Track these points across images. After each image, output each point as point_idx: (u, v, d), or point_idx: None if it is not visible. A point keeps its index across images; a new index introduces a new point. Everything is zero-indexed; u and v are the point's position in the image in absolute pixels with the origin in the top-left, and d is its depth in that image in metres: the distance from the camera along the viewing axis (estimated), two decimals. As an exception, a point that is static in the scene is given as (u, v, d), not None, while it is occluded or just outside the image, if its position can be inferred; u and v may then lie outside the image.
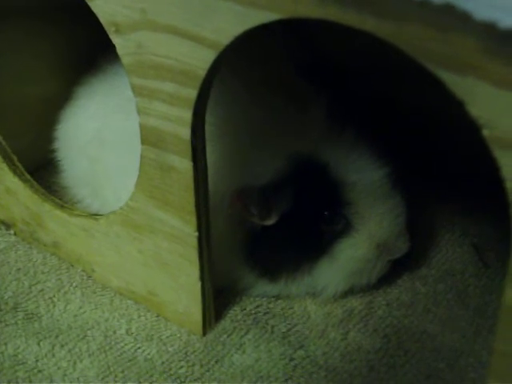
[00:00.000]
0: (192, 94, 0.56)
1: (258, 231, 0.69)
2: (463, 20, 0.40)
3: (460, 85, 0.42)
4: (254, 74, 0.72)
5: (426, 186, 0.85)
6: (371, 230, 0.70)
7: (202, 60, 0.54)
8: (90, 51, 0.84)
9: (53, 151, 0.85)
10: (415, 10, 0.42)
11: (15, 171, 0.77)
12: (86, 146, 0.79)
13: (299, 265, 0.70)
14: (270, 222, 0.68)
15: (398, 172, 0.71)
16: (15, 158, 0.78)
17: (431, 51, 0.42)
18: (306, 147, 0.69)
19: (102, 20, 0.59)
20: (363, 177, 0.70)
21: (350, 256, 0.70)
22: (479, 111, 0.42)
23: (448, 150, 0.86)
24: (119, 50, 0.59)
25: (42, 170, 0.88)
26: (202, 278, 0.66)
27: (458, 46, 0.41)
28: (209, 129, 0.62)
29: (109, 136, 0.76)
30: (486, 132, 0.42)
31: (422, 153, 0.85)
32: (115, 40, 0.59)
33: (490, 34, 0.39)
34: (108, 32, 0.59)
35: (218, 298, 0.72)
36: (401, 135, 0.81)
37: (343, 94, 0.73)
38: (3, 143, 0.77)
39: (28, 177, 0.78)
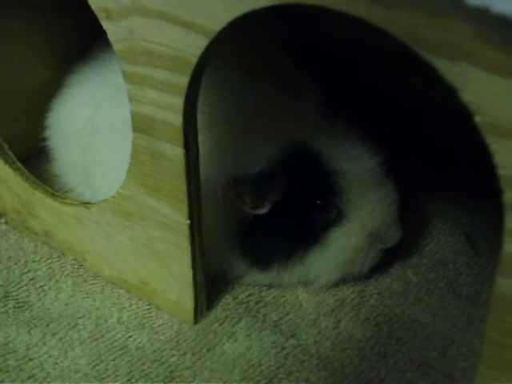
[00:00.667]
0: (184, 81, 0.56)
1: (250, 220, 0.69)
2: (456, 5, 0.40)
3: (452, 71, 0.42)
4: (247, 61, 0.72)
5: (418, 175, 0.85)
6: (363, 218, 0.70)
7: (193, 47, 0.54)
8: (82, 39, 0.84)
9: (44, 139, 0.84)
10: (408, -4, 0.42)
11: (6, 159, 0.77)
12: (77, 134, 0.79)
13: (291, 254, 0.70)
14: (262, 210, 0.68)
15: (390, 161, 0.71)
16: (6, 146, 0.77)
17: (423, 37, 0.42)
18: (299, 136, 0.68)
19: (93, 6, 0.59)
20: (355, 166, 0.69)
21: (342, 245, 0.70)
22: (471, 97, 0.42)
23: (440, 138, 0.86)
24: (110, 37, 0.59)
25: (34, 159, 0.88)
26: (193, 267, 0.66)
27: (450, 31, 0.41)
28: (201, 117, 0.62)
29: (100, 124, 0.76)
30: (478, 118, 0.42)
31: (414, 142, 0.85)
32: (106, 26, 0.59)
33: (482, 19, 0.39)
34: (99, 18, 0.59)
35: (210, 286, 0.71)
36: (393, 124, 0.81)
37: (336, 82, 0.73)
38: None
39: (19, 165, 0.77)
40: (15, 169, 0.77)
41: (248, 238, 0.70)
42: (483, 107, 0.42)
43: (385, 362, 0.66)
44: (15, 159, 0.77)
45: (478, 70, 0.41)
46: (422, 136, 0.86)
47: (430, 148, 0.86)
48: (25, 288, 0.73)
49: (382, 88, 0.83)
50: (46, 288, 0.74)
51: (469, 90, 0.42)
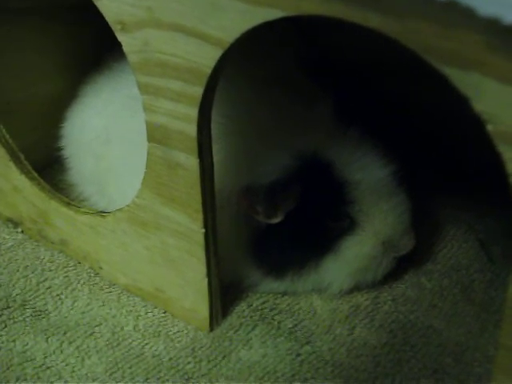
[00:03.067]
0: (198, 91, 0.57)
1: (263, 229, 0.69)
2: (467, 16, 0.40)
3: (464, 80, 0.43)
4: (261, 72, 0.72)
5: (431, 182, 0.85)
6: (376, 227, 0.70)
7: (207, 58, 0.54)
8: (97, 49, 0.85)
9: (59, 149, 0.85)
10: (419, 7, 0.42)
11: (22, 169, 0.78)
12: (91, 143, 0.79)
13: (305, 262, 0.70)
14: (275, 220, 0.68)
15: (403, 168, 0.72)
16: (22, 156, 0.78)
17: (435, 47, 0.43)
18: (312, 145, 0.69)
19: (108, 18, 0.59)
20: (368, 175, 0.70)
21: (356, 253, 0.70)
22: (483, 106, 0.43)
23: (454, 145, 0.86)
24: (125, 48, 0.60)
25: (49, 168, 0.88)
26: (208, 275, 0.67)
27: (461, 42, 0.41)
28: (215, 127, 0.62)
29: (115, 134, 0.77)
30: (490, 127, 0.43)
31: (427, 149, 0.85)
32: (121, 38, 0.59)
33: (493, 29, 0.40)
34: (114, 30, 0.59)
35: (225, 294, 0.72)
36: (406, 132, 0.81)
37: (349, 92, 0.74)
38: (10, 141, 0.78)
39: (35, 175, 0.78)
40: (31, 178, 0.77)
41: (262, 247, 0.70)
42: (495, 116, 0.42)
43: (399, 369, 0.66)
44: (31, 169, 0.78)
45: (490, 80, 0.42)
46: (435, 143, 0.86)
47: (443, 155, 0.86)
48: (42, 296, 0.74)
49: (394, 98, 0.84)
50: (62, 296, 0.74)
51: (481, 99, 0.42)
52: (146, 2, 0.56)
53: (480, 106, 0.43)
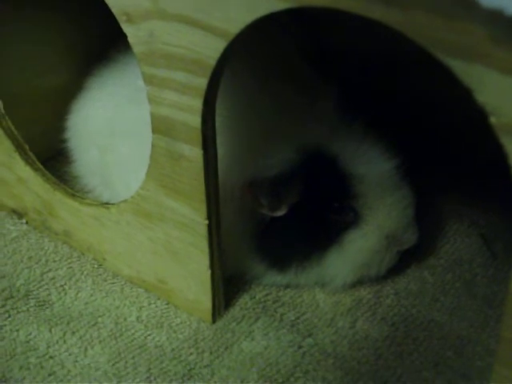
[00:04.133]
0: (203, 83, 0.57)
1: (267, 222, 0.70)
2: (470, 8, 0.40)
3: (467, 72, 0.43)
4: (264, 64, 0.72)
5: (434, 177, 0.85)
6: (380, 221, 0.70)
7: (212, 49, 0.55)
8: (102, 41, 0.85)
9: (64, 141, 0.86)
10: (423, -1, 0.42)
11: (27, 160, 0.78)
12: (96, 135, 0.80)
13: (308, 255, 0.71)
14: (279, 213, 0.68)
15: (406, 163, 0.72)
16: (27, 148, 0.78)
17: (439, 39, 0.43)
18: (316, 139, 0.69)
19: (113, 10, 0.60)
20: (372, 168, 0.70)
21: (359, 247, 0.70)
22: (486, 98, 0.43)
23: (457, 140, 0.86)
24: (130, 39, 0.60)
25: (54, 160, 0.89)
26: (211, 266, 0.67)
27: (465, 33, 0.42)
28: (219, 120, 0.62)
29: (119, 126, 0.77)
30: (492, 119, 0.43)
31: (431, 144, 0.85)
32: (126, 29, 0.60)
33: (496, 21, 0.40)
34: (119, 21, 0.60)
35: (228, 286, 0.72)
36: (410, 126, 0.82)
37: (352, 85, 0.74)
38: (15, 132, 0.78)
39: (39, 166, 0.78)
40: (36, 169, 0.78)
41: (265, 240, 0.71)
42: (498, 108, 0.43)
43: (401, 362, 0.66)
44: (36, 160, 0.79)
45: (493, 72, 0.42)
46: (439, 138, 0.86)
47: (446, 150, 0.86)
48: (45, 287, 0.75)
49: (397, 91, 0.84)
50: (66, 287, 0.75)
51: (483, 91, 0.43)
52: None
53: (483, 97, 0.43)
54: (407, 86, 0.86)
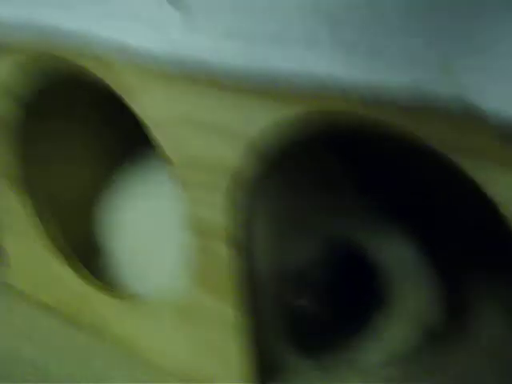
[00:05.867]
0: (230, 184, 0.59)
1: (297, 312, 0.70)
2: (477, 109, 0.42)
3: (478, 170, 0.45)
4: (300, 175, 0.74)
5: (461, 259, 0.85)
6: (410, 309, 0.71)
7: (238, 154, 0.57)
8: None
9: (96, 235, 0.87)
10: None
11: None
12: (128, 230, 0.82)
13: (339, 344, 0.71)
14: (305, 303, 0.69)
15: (430, 247, 0.72)
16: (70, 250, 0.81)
17: (446, 140, 0.45)
18: (342, 228, 0.71)
19: (140, 114, 0.63)
20: (398, 256, 0.71)
21: (391, 335, 0.71)
22: (496, 191, 0.44)
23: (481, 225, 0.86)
24: (157, 144, 0.63)
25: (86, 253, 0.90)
26: (248, 360, 0.68)
27: (472, 133, 0.43)
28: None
29: (151, 223, 0.79)
30: (504, 211, 0.44)
31: (455, 228, 0.85)
32: (154, 134, 0.62)
33: (504, 121, 0.41)
34: (146, 126, 0.63)
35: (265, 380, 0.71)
36: (434, 212, 0.82)
37: (372, 171, 0.75)
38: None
39: (74, 260, 0.80)
40: (70, 265, 0.80)
41: (297, 331, 0.71)
42: (509, 200, 0.44)
43: None
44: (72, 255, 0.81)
45: (502, 169, 0.44)
46: (464, 222, 0.86)
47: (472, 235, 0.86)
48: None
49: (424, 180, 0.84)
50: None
51: (494, 186, 0.44)
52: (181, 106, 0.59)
53: (493, 192, 0.45)
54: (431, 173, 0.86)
